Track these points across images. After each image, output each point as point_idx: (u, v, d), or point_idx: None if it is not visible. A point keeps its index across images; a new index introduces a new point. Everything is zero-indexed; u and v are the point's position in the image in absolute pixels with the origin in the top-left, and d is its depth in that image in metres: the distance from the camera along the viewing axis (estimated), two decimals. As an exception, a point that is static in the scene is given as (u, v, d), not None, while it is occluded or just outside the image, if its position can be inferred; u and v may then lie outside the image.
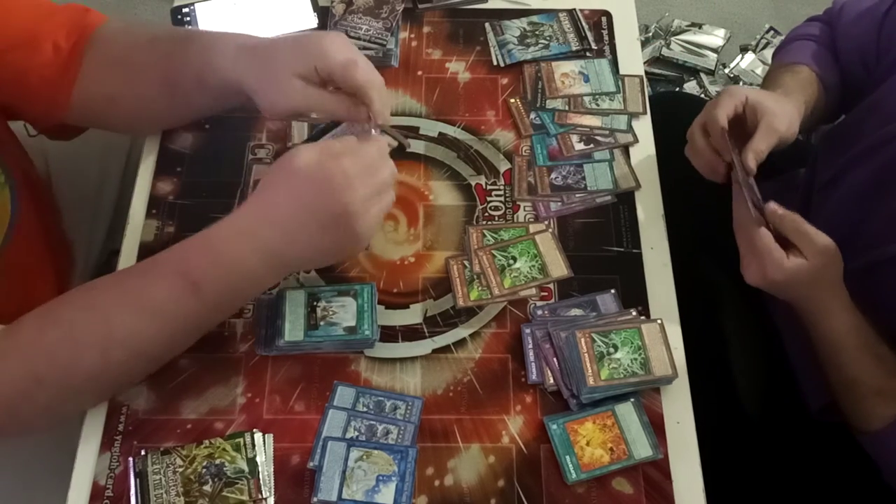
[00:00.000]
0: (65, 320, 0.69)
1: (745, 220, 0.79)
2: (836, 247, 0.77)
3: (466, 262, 0.85)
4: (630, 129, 0.94)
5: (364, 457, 0.73)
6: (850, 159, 0.87)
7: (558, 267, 0.85)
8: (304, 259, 0.74)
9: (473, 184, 0.91)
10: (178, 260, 0.70)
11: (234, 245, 0.70)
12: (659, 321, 0.80)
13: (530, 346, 0.80)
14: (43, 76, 0.79)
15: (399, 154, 0.93)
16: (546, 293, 0.84)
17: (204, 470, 0.72)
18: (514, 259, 0.85)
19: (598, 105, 0.96)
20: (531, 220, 0.89)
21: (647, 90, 0.99)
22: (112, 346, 0.69)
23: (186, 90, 0.81)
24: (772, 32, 1.95)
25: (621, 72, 0.99)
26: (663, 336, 0.79)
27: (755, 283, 0.79)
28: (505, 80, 0.99)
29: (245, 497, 0.71)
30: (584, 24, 1.02)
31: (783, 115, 0.83)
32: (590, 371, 0.76)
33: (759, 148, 0.81)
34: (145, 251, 0.84)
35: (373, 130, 0.75)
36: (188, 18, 0.99)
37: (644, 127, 0.95)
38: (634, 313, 0.82)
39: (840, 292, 0.79)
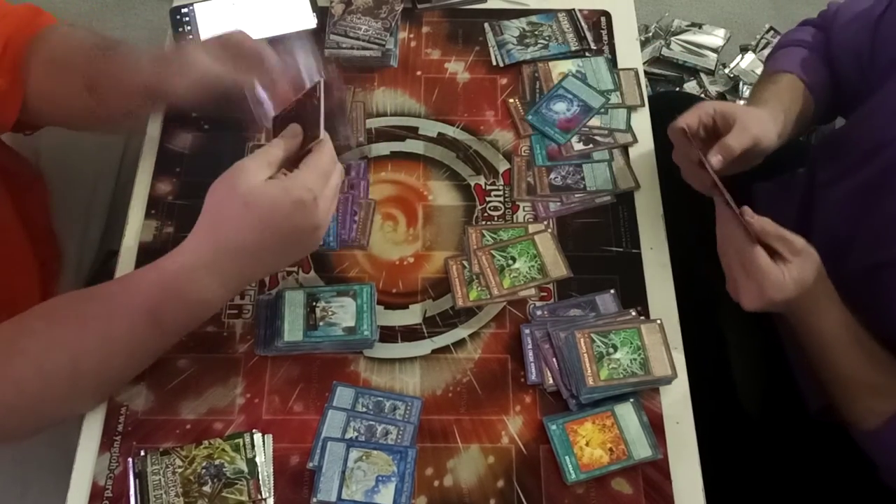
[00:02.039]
0: (31, 353, 0.69)
1: (732, 241, 0.77)
2: (810, 245, 0.76)
3: (465, 263, 0.85)
4: (629, 129, 0.94)
5: (363, 457, 0.73)
6: (848, 163, 0.87)
7: (557, 267, 0.85)
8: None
9: (473, 184, 0.91)
10: (139, 298, 0.69)
11: (195, 281, 0.68)
12: (658, 321, 0.80)
13: (530, 346, 0.80)
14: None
15: (399, 154, 0.93)
16: (545, 293, 0.84)
17: (203, 470, 0.72)
18: (514, 259, 0.85)
19: (597, 105, 0.96)
20: (530, 220, 0.89)
21: (644, 83, 0.99)
22: (80, 378, 0.70)
23: (106, 90, 0.84)
24: (772, 32, 1.95)
25: (623, 78, 0.98)
26: (663, 336, 0.79)
27: (754, 306, 0.77)
28: (504, 81, 0.99)
29: (244, 497, 0.71)
30: (583, 24, 1.02)
31: (756, 118, 0.82)
32: (589, 371, 0.76)
33: (728, 143, 0.79)
34: (144, 251, 0.84)
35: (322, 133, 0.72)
36: (187, 19, 0.99)
37: (643, 126, 0.95)
38: (634, 313, 0.82)
39: (828, 289, 0.79)
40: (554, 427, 0.76)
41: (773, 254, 0.75)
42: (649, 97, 0.98)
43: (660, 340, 0.79)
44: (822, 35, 0.98)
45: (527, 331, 0.81)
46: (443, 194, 0.91)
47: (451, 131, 0.95)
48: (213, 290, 0.69)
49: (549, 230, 0.87)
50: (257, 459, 0.73)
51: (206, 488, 0.71)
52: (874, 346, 0.79)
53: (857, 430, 0.82)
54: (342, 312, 0.80)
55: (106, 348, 0.70)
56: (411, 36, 1.02)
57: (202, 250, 0.68)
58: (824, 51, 0.96)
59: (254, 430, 0.75)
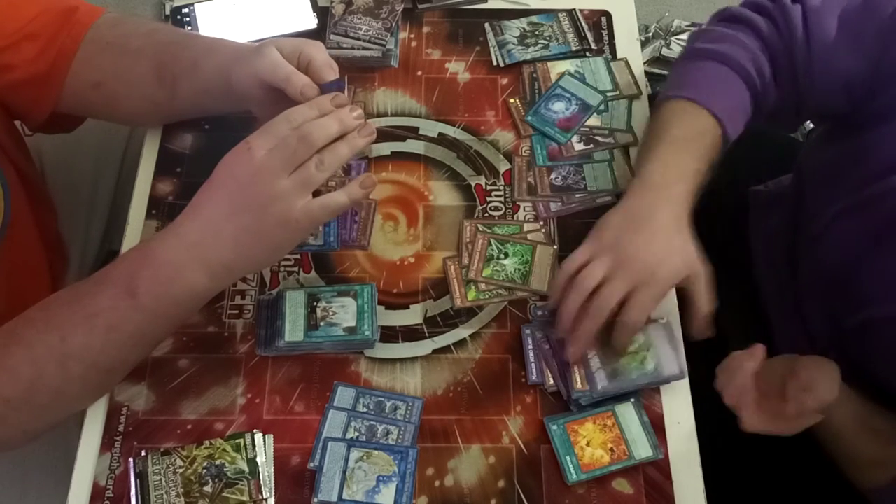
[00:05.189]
0: (25, 339, 0.69)
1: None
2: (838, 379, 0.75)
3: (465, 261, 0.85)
4: (630, 129, 0.94)
5: (364, 457, 0.73)
6: (841, 209, 0.84)
7: (541, 282, 0.84)
8: (228, 241, 0.68)
9: (473, 184, 0.91)
10: (119, 268, 0.70)
11: (164, 242, 0.69)
12: (664, 320, 0.80)
13: (530, 346, 0.80)
14: (30, 72, 0.79)
15: (400, 154, 0.93)
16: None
17: (204, 471, 0.72)
18: (506, 255, 0.85)
19: (597, 105, 0.96)
20: (531, 220, 0.89)
21: (636, 73, 0.98)
22: (68, 361, 0.69)
23: (177, 74, 0.81)
24: (771, 32, 1.95)
25: (615, 70, 0.98)
26: (668, 335, 0.79)
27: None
28: (504, 81, 0.99)
29: (245, 498, 0.71)
30: (583, 24, 1.02)
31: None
32: (590, 371, 0.76)
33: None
34: (145, 252, 0.84)
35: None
36: (188, 19, 0.99)
37: (644, 126, 0.95)
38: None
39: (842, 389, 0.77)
40: (555, 427, 0.76)
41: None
42: (649, 97, 0.98)
43: (665, 340, 0.79)
44: (784, 48, 0.85)
45: (527, 331, 0.81)
46: (443, 194, 0.91)
47: (451, 131, 0.95)
48: (178, 251, 0.68)
49: (555, 247, 0.86)
50: (258, 459, 0.73)
51: (207, 488, 0.71)
52: (877, 421, 0.79)
53: (862, 490, 0.82)
54: (343, 312, 0.80)
55: (89, 324, 0.69)
56: (412, 36, 1.02)
57: (188, 230, 0.69)
58: (788, 82, 0.86)
59: (255, 431, 0.75)
